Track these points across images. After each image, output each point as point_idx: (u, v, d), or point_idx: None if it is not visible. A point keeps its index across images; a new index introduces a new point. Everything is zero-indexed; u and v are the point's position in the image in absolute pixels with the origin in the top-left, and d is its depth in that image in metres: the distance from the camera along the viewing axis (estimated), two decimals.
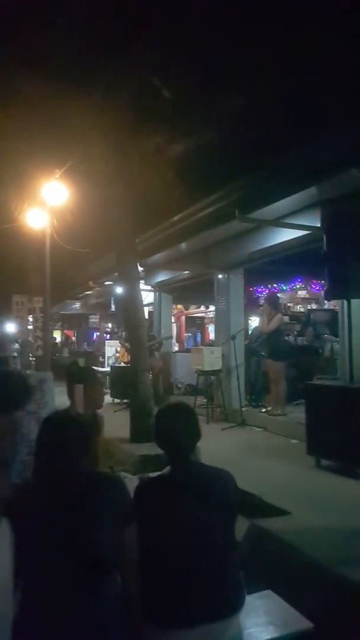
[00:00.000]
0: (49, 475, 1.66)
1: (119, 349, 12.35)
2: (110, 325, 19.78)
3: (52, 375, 5.59)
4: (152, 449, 5.39)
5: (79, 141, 6.10)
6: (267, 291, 11.39)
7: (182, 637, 1.78)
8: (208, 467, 1.96)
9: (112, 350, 13.52)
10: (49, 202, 7.26)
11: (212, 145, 5.49)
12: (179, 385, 10.05)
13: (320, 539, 3.03)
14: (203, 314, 16.52)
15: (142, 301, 6.52)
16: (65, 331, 25.19)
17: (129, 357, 8.71)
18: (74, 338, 24.72)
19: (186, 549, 1.80)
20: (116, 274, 8.63)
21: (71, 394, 2.57)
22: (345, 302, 4.88)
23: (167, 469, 2.01)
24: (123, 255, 6.28)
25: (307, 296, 12.78)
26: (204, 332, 17.24)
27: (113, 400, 9.41)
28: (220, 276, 8.29)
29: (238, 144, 5.24)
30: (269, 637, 1.95)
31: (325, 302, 11.38)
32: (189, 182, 5.84)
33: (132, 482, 2.24)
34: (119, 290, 9.78)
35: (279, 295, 10.40)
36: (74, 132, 5.98)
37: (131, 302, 6.18)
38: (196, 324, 17.91)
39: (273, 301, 7.56)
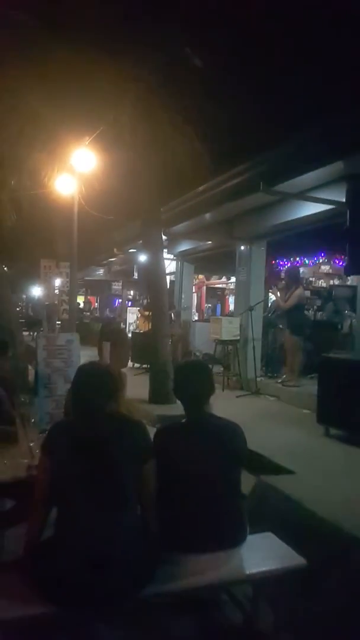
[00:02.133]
0: (83, 414, 1.92)
1: (138, 316, 12.66)
2: (132, 292, 20.08)
3: (79, 337, 5.88)
4: (169, 409, 5.73)
5: (109, 109, 6.17)
6: (289, 264, 11.42)
7: (192, 562, 2.06)
8: (220, 418, 2.20)
9: (134, 317, 13.85)
10: (78, 169, 7.37)
11: (240, 116, 5.49)
12: (197, 354, 10.30)
13: (321, 495, 3.27)
14: (224, 285, 16.61)
15: (164, 269, 6.70)
16: (89, 297, 25.65)
17: (148, 325, 9.01)
18: (96, 304, 25.18)
19: (197, 486, 2.06)
20: (140, 242, 8.81)
21: (98, 350, 2.82)
22: None
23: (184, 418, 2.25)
24: (148, 223, 6.43)
25: (330, 271, 12.72)
26: (224, 303, 17.37)
27: (133, 365, 9.76)
28: (242, 247, 8.37)
29: (265, 116, 5.25)
30: (265, 568, 2.22)
31: (348, 278, 11.35)
32: (216, 152, 5.88)
33: (150, 432, 2.50)
34: (143, 258, 9.96)
35: (301, 269, 10.44)
36: (104, 99, 6.05)
37: (154, 270, 6.37)
38: (217, 295, 18.04)
39: (294, 275, 7.65)
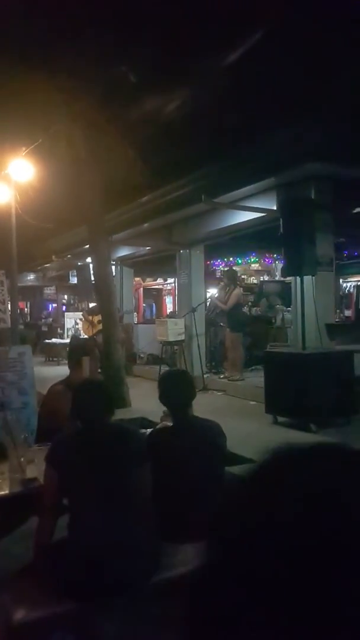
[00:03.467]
0: (88, 428, 2.13)
1: (79, 321, 12.57)
2: (66, 297, 19.80)
3: (31, 349, 5.86)
4: (126, 413, 5.92)
5: (46, 120, 6.21)
6: (223, 264, 12.01)
7: (187, 550, 2.33)
8: (203, 419, 2.50)
9: (72, 322, 13.70)
10: (14, 178, 7.30)
11: (180, 128, 5.78)
12: (142, 355, 10.53)
13: None
14: (160, 286, 16.92)
15: (112, 277, 6.85)
16: (19, 302, 24.79)
17: (92, 330, 9.07)
18: (26, 310, 24.42)
19: (189, 482, 2.34)
20: (80, 248, 8.85)
21: (77, 365, 2.99)
22: (299, 278, 5.51)
23: (167, 423, 2.53)
24: (94, 232, 6.54)
25: (260, 268, 13.55)
26: (160, 303, 17.67)
27: None
28: (182, 252, 8.73)
29: (206, 131, 5.59)
30: None
31: (276, 273, 12.17)
32: (158, 162, 6.13)
33: None
34: (90, 265, 9.96)
35: (234, 268, 11.04)
36: (41, 111, 6.08)
37: (103, 277, 6.51)
38: (152, 295, 18.30)
39: (231, 276, 8.16)
